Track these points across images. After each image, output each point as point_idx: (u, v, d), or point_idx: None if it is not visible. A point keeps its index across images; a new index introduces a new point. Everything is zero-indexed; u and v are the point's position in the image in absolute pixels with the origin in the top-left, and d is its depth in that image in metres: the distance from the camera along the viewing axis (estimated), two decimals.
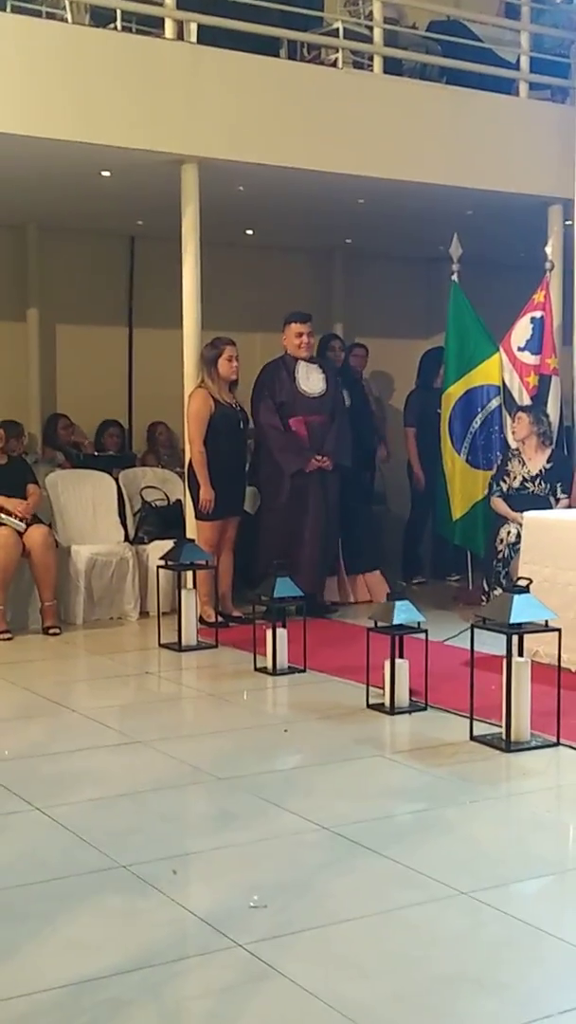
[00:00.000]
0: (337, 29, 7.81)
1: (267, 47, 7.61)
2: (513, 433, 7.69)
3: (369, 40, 7.95)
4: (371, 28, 7.96)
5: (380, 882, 3.56)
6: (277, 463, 7.56)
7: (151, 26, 7.29)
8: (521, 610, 4.91)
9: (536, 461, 7.53)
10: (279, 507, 7.59)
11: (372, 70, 7.94)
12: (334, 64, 7.78)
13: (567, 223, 8.59)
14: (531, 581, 5.34)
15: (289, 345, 7.67)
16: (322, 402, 7.66)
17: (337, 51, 7.79)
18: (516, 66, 8.61)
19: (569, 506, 7.32)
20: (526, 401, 8.09)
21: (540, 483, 7.47)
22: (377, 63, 7.94)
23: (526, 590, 5.01)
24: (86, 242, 9.47)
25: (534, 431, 7.52)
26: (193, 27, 7.22)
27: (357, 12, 8.24)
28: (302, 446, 7.53)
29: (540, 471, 7.50)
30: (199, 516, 7.38)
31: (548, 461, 7.55)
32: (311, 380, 7.67)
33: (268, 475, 7.69)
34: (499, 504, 7.50)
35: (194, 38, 7.22)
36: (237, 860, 3.74)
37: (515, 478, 7.51)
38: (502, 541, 7.37)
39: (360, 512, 8.31)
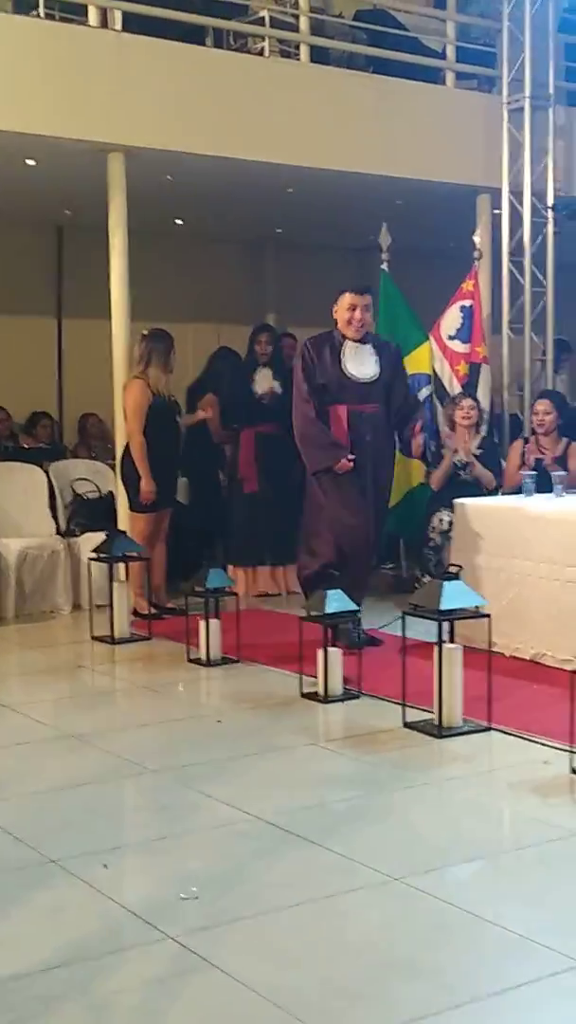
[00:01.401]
0: (263, 18, 7.78)
1: (193, 35, 7.56)
2: (465, 419, 7.69)
3: (295, 29, 7.93)
4: (297, 17, 7.94)
5: (313, 871, 3.56)
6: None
7: (74, 13, 7.21)
8: (452, 597, 4.93)
9: (471, 447, 7.59)
10: (323, 503, 6.47)
11: (299, 59, 7.92)
12: (260, 53, 7.76)
13: (495, 212, 8.64)
14: (461, 568, 5.38)
15: (339, 319, 6.51)
16: (371, 389, 6.49)
17: (263, 39, 7.77)
18: (443, 55, 8.64)
19: (497, 490, 7.37)
20: (457, 390, 8.14)
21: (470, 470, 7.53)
22: (304, 52, 7.92)
23: (456, 577, 5.03)
24: (12, 232, 9.35)
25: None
26: (118, 15, 7.15)
27: (283, 0, 8.21)
28: (331, 440, 6.41)
29: (473, 457, 7.56)
30: (135, 508, 7.33)
31: (479, 448, 7.62)
32: (361, 362, 6.50)
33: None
34: (436, 476, 7.55)
35: (119, 26, 7.15)
36: (169, 852, 3.72)
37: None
38: (434, 529, 7.41)
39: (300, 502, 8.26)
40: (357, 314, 6.44)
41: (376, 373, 6.51)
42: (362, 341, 6.52)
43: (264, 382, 8.15)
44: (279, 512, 7.97)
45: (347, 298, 6.45)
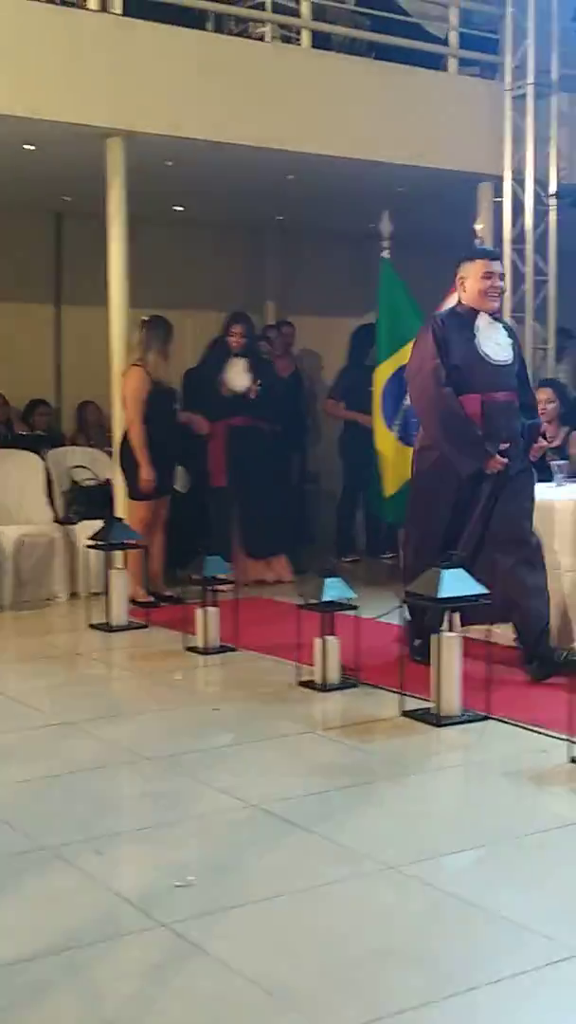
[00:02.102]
0: (264, 2, 7.72)
1: (194, 20, 7.51)
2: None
3: (297, 14, 7.88)
4: (299, 1, 7.88)
5: (308, 859, 3.53)
6: (448, 455, 5.51)
7: None
8: (450, 585, 4.90)
9: None
10: (434, 515, 5.58)
11: (300, 44, 7.86)
12: (261, 38, 7.70)
13: (496, 200, 8.59)
14: (463, 555, 5.34)
15: (471, 291, 5.54)
16: (508, 373, 5.58)
17: (264, 24, 7.71)
18: (445, 42, 8.58)
19: None
20: None
21: None
22: (305, 37, 7.87)
23: (456, 565, 5.00)
24: (11, 218, 9.30)
25: None
26: None
27: None
28: (478, 436, 5.46)
29: None
30: (134, 495, 7.30)
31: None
32: (497, 342, 5.56)
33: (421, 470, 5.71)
34: None
35: (119, 9, 7.10)
36: (164, 840, 3.69)
37: None
38: None
39: (276, 493, 8.20)
40: (496, 282, 5.55)
41: (511, 357, 5.61)
42: (495, 317, 5.65)
43: (239, 376, 8.04)
44: (248, 508, 7.90)
45: (480, 264, 5.54)
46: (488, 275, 5.51)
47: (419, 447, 5.78)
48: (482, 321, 5.53)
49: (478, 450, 5.42)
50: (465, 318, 5.55)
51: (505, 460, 5.45)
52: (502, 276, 5.67)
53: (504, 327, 5.71)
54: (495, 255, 5.66)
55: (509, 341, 5.61)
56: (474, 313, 5.54)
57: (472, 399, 5.46)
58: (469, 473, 5.45)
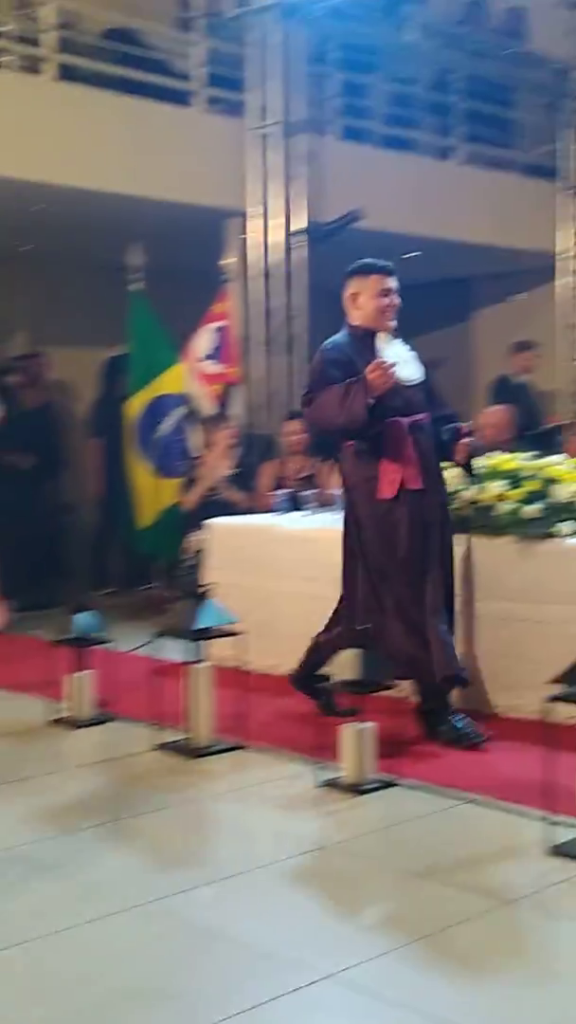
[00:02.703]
0: (4, 32, 7.64)
1: None
2: (214, 444, 7.74)
3: (40, 44, 7.82)
4: (41, 32, 7.83)
5: (57, 901, 3.47)
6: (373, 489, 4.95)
7: None
8: (203, 616, 4.94)
9: (223, 467, 7.66)
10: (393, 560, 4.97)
11: (44, 75, 7.81)
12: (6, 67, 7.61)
13: (243, 236, 8.75)
14: (213, 586, 5.39)
15: (366, 309, 5.06)
16: (420, 392, 5.11)
17: (9, 54, 7.62)
18: (190, 79, 8.70)
19: (250, 509, 7.44)
20: (212, 410, 8.20)
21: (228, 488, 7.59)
22: (50, 68, 7.82)
23: (208, 596, 5.04)
24: None
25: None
26: None
27: (28, 16, 8.08)
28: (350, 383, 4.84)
29: (227, 477, 7.62)
30: None
31: (235, 468, 7.71)
32: (404, 361, 5.06)
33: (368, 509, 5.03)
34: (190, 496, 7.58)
35: None
36: None
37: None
38: (190, 549, 7.41)
39: (24, 527, 8.05)
40: (394, 300, 5.08)
41: (421, 375, 5.12)
42: (394, 334, 5.15)
43: None
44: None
45: (375, 280, 5.05)
46: (385, 292, 5.06)
47: (354, 482, 5.10)
48: (381, 341, 5.07)
49: (357, 386, 4.80)
50: (364, 340, 5.05)
51: (391, 374, 4.79)
52: (398, 292, 5.12)
53: (399, 339, 5.19)
54: (391, 270, 5.10)
55: (412, 354, 5.17)
56: (371, 333, 5.07)
57: (399, 424, 4.95)
58: (370, 404, 4.76)
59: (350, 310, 5.12)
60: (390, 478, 4.95)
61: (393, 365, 4.82)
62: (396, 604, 4.96)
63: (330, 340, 5.11)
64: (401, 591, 4.96)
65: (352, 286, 5.09)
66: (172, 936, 3.24)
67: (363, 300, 5.06)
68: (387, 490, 4.95)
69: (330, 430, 5.09)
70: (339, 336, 5.11)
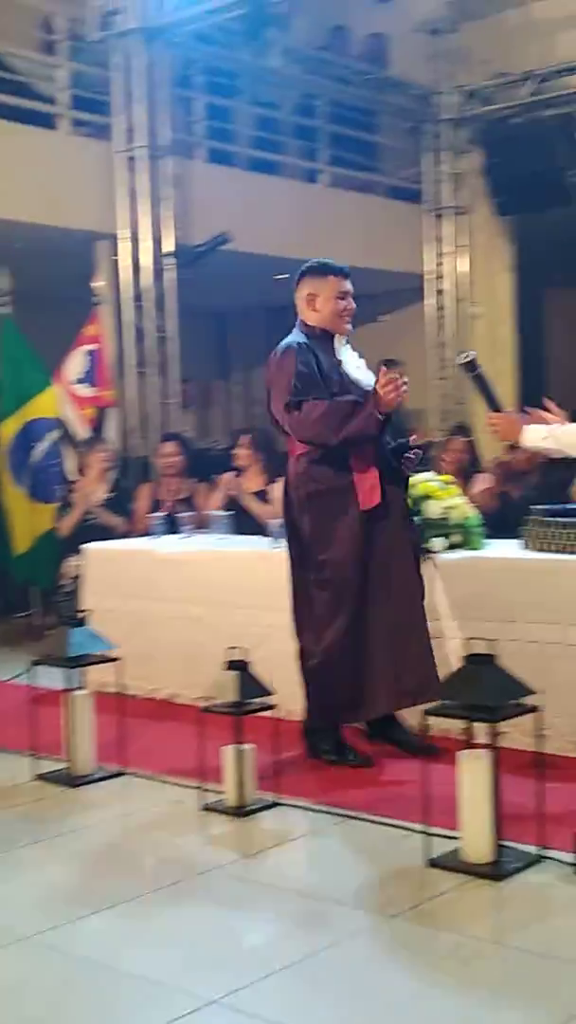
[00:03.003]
0: None
1: None
2: (88, 467, 7.69)
3: None
4: None
5: None
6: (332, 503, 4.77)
7: None
8: (80, 643, 4.90)
9: (99, 491, 7.62)
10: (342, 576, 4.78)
11: None
12: None
13: (113, 258, 8.74)
14: (91, 612, 5.35)
15: (324, 311, 4.90)
16: None
17: None
18: (55, 102, 8.67)
19: (128, 533, 7.41)
20: (85, 434, 8.15)
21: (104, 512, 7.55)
22: None
23: (83, 623, 5.00)
24: None
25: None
26: None
27: None
28: (355, 401, 4.72)
29: (103, 501, 7.58)
30: None
31: (109, 492, 7.67)
32: (357, 365, 4.99)
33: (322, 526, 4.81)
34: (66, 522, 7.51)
35: None
36: None
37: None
38: (67, 575, 7.35)
39: None
40: (350, 303, 4.94)
41: (373, 380, 4.79)
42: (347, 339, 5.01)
43: None
44: None
45: (333, 283, 4.88)
46: (343, 295, 4.90)
47: (306, 493, 4.87)
48: (338, 343, 4.95)
49: (364, 408, 4.64)
50: (323, 341, 4.89)
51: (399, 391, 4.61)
52: (353, 296, 4.98)
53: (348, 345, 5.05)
54: (347, 272, 4.93)
55: (363, 360, 5.04)
56: (329, 335, 4.93)
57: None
58: (377, 431, 4.67)
59: (305, 311, 4.95)
60: (369, 484, 4.76)
61: (406, 381, 4.65)
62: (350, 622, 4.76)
63: (292, 340, 4.87)
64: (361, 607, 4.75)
65: (308, 286, 4.92)
66: (58, 969, 3.21)
67: (321, 302, 4.89)
68: (370, 498, 4.74)
69: (317, 443, 4.76)
70: (298, 336, 4.90)
